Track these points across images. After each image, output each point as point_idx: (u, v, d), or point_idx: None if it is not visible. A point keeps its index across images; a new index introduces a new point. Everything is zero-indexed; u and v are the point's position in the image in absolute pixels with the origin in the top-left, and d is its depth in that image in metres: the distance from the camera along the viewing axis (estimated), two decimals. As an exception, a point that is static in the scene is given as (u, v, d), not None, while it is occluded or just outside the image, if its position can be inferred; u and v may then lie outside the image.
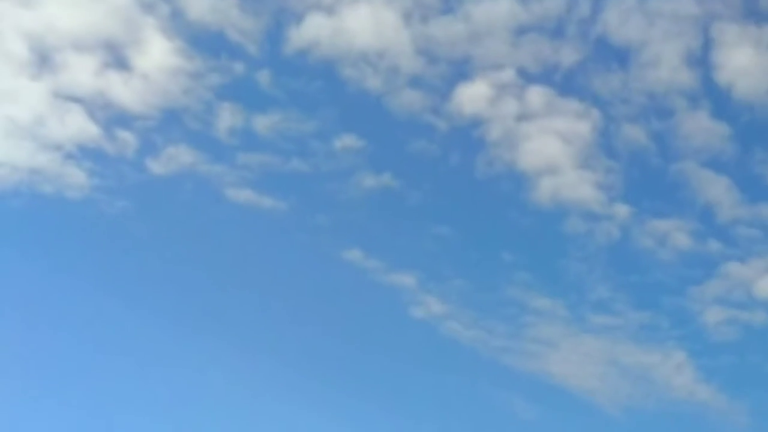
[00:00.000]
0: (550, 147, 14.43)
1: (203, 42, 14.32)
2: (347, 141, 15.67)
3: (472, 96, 15.03)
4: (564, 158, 14.93)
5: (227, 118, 15.19)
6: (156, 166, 15.52)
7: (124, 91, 14.15)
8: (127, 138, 15.43)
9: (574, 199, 16.08)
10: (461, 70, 15.59)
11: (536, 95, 15.78)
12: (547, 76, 15.94)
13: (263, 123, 15.40)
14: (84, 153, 14.92)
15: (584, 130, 15.18)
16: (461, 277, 17.07)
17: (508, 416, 16.83)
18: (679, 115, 16.36)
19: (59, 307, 14.74)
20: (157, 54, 13.58)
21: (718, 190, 15.92)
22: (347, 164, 16.02)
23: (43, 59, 14.12)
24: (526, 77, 15.76)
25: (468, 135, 16.00)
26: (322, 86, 16.62)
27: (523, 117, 15.30)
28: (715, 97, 15.88)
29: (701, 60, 15.46)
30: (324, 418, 14.33)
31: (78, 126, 14.41)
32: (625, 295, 16.60)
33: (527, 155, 15.30)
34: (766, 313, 15.20)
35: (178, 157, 14.89)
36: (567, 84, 16.69)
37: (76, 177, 14.81)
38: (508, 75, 15.12)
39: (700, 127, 15.88)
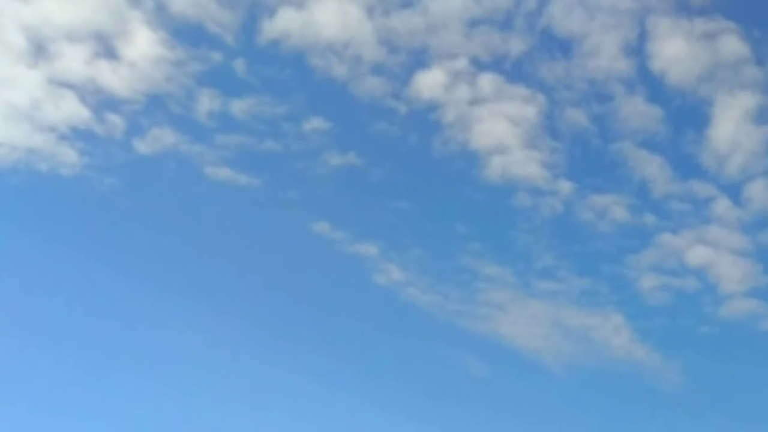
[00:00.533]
0: (500, 129, 15.38)
1: (184, 33, 15.40)
2: (315, 123, 16.81)
3: (429, 82, 16.00)
4: (512, 139, 15.90)
5: (206, 102, 16.36)
6: (142, 146, 16.65)
7: (113, 78, 15.23)
8: (116, 120, 16.59)
9: (521, 176, 17.07)
10: (419, 59, 16.62)
11: (487, 82, 16.85)
12: (497, 64, 16.96)
13: (239, 107, 16.63)
14: (76, 134, 16.01)
15: (531, 113, 16.16)
16: (419, 246, 18.18)
17: (461, 374, 17.85)
18: (617, 99, 17.35)
19: (54, 274, 15.92)
20: (143, 44, 14.63)
21: (652, 168, 17.01)
22: (315, 144, 17.12)
23: (39, 49, 15.12)
24: (478, 65, 16.76)
25: (425, 118, 17.03)
26: (293, 73, 17.74)
27: (475, 101, 16.32)
28: (649, 83, 16.88)
29: (637, 50, 16.44)
30: (294, 375, 15.49)
31: (70, 110, 15.41)
32: (568, 263, 17.68)
33: (479, 136, 16.34)
34: (697, 280, 16.11)
35: (162, 138, 15.99)
36: (515, 71, 17.75)
37: (69, 156, 15.83)
38: (461, 63, 16.11)
39: (636, 111, 16.90)
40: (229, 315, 17.32)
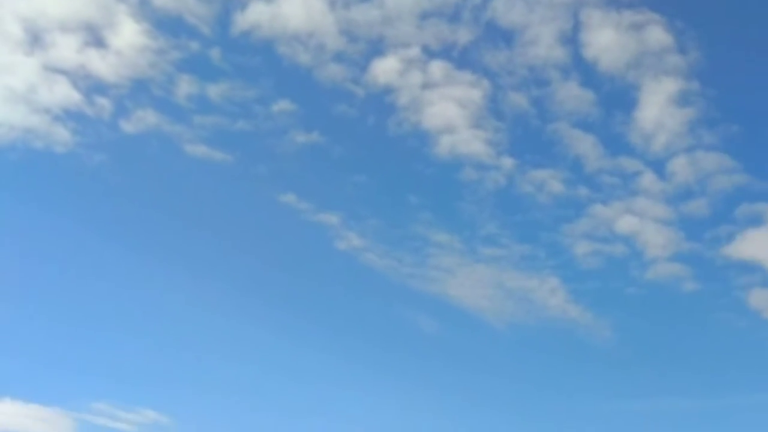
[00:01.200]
0: (449, 110, 16.63)
1: (165, 24, 16.80)
2: (282, 105, 18.26)
3: (385, 69, 17.28)
4: (460, 120, 17.15)
5: (185, 86, 17.80)
6: (127, 126, 18.11)
7: (101, 65, 16.57)
8: (104, 103, 18.06)
9: (467, 153, 18.42)
10: (376, 48, 18.01)
11: (437, 68, 18.16)
12: (446, 52, 18.33)
13: (214, 91, 18.14)
14: (68, 115, 17.41)
15: (476, 96, 17.44)
16: (376, 216, 19.67)
17: (414, 331, 19.25)
18: (554, 84, 18.65)
19: (48, 241, 17.41)
20: (128, 34, 15.98)
21: (585, 146, 18.26)
22: (283, 124, 18.57)
23: (34, 38, 16.41)
24: (429, 53, 18.08)
25: (381, 100, 18.39)
26: (262, 60, 19.18)
27: (426, 86, 17.56)
28: (583, 69, 18.17)
29: (572, 39, 17.71)
30: (264, 331, 16.91)
31: (63, 93, 16.68)
32: (510, 231, 19.05)
33: (430, 117, 17.63)
34: (625, 246, 17.34)
35: (146, 118, 17.38)
36: (462, 59, 19.19)
37: (62, 135, 17.19)
38: (414, 52, 17.39)
39: (571, 94, 18.14)
40: (205, 277, 18.68)
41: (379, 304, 20.22)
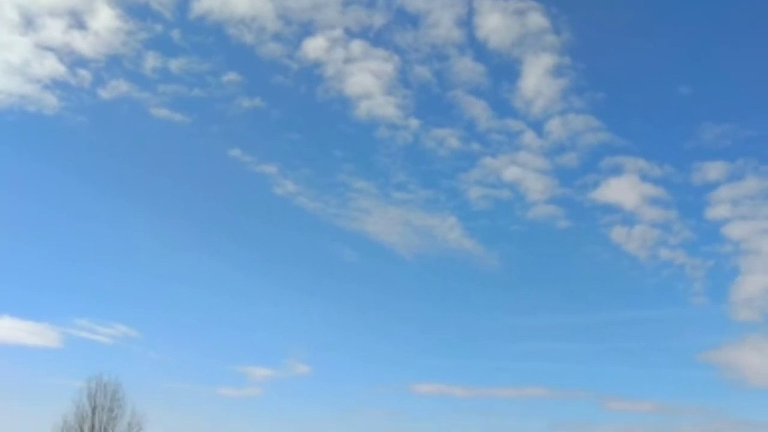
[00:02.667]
0: (366, 81, 19.96)
1: (135, 10, 19.86)
2: (231, 76, 21.54)
3: (314, 46, 20.52)
4: (375, 88, 20.55)
5: (151, 61, 20.94)
6: (104, 93, 21.31)
7: (83, 43, 19.55)
8: (84, 74, 21.20)
9: (382, 115, 21.94)
10: (307, 29, 21.29)
11: (357, 46, 21.55)
12: (364, 33, 21.68)
13: (175, 64, 21.38)
14: (55, 84, 20.49)
15: (389, 69, 20.84)
16: (307, 167, 23.29)
17: (338, 261, 23.05)
18: (452, 59, 22.13)
19: (40, 186, 20.64)
20: (105, 18, 18.90)
21: (477, 109, 21.86)
22: (231, 92, 21.91)
23: (28, 22, 19.36)
24: (350, 34, 21.43)
25: (311, 72, 21.74)
26: (214, 40, 22.40)
27: (348, 60, 20.91)
28: (475, 47, 21.68)
29: (467, 22, 21.20)
30: (214, 261, 20.44)
31: (51, 67, 19.63)
32: (416, 179, 22.77)
33: (351, 86, 21.04)
34: (510, 191, 21.08)
35: (118, 87, 20.55)
36: (377, 39, 22.66)
37: (50, 101, 20.27)
38: (338, 32, 20.66)
39: (466, 67, 21.63)
40: (168, 217, 22.18)
41: (309, 238, 23.88)
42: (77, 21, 22.22)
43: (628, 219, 28.68)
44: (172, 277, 25.87)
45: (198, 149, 25.51)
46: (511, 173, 24.97)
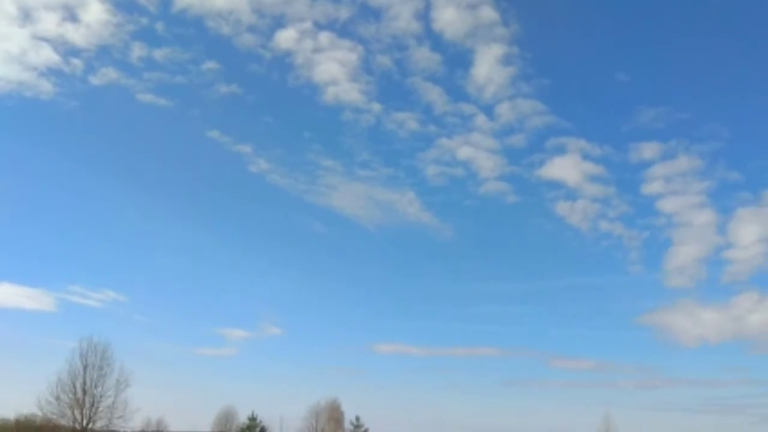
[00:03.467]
0: (333, 69, 21.64)
1: (122, 4, 21.69)
2: (210, 64, 23.50)
3: (287, 38, 22.35)
4: (341, 75, 22.29)
5: (137, 50, 22.84)
6: (94, 80, 23.29)
7: (75, 35, 21.29)
8: (77, 63, 23.19)
9: (347, 100, 23.99)
10: (279, 22, 23.22)
11: (324, 37, 23.50)
12: (331, 25, 23.66)
13: (159, 53, 23.35)
14: (51, 72, 22.47)
15: (353, 58, 22.62)
16: (279, 147, 25.61)
17: (307, 232, 25.49)
18: (411, 49, 24.18)
19: (36, 165, 22.92)
20: (95, 12, 20.61)
21: (434, 95, 23.93)
22: (210, 78, 23.89)
23: (26, 15, 21.17)
24: (318, 26, 23.40)
25: (283, 61, 23.69)
26: (195, 31, 24.48)
27: (316, 50, 22.79)
28: (433, 38, 23.81)
29: (424, 16, 23.20)
30: (193, 232, 22.76)
31: (47, 56, 21.43)
32: (378, 158, 24.97)
33: (319, 74, 22.88)
34: (464, 169, 23.28)
35: (108, 74, 22.41)
36: (343, 30, 24.77)
37: (46, 87, 22.21)
38: (307, 25, 22.53)
39: (424, 57, 23.61)
40: (152, 193, 24.45)
41: (281, 212, 26.14)
42: (70, 14, 23.55)
43: (571, 194, 29.91)
44: (157, 247, 27.29)
45: (179, 131, 26.83)
46: (464, 152, 26.16)
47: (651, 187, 28.70)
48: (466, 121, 27.18)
